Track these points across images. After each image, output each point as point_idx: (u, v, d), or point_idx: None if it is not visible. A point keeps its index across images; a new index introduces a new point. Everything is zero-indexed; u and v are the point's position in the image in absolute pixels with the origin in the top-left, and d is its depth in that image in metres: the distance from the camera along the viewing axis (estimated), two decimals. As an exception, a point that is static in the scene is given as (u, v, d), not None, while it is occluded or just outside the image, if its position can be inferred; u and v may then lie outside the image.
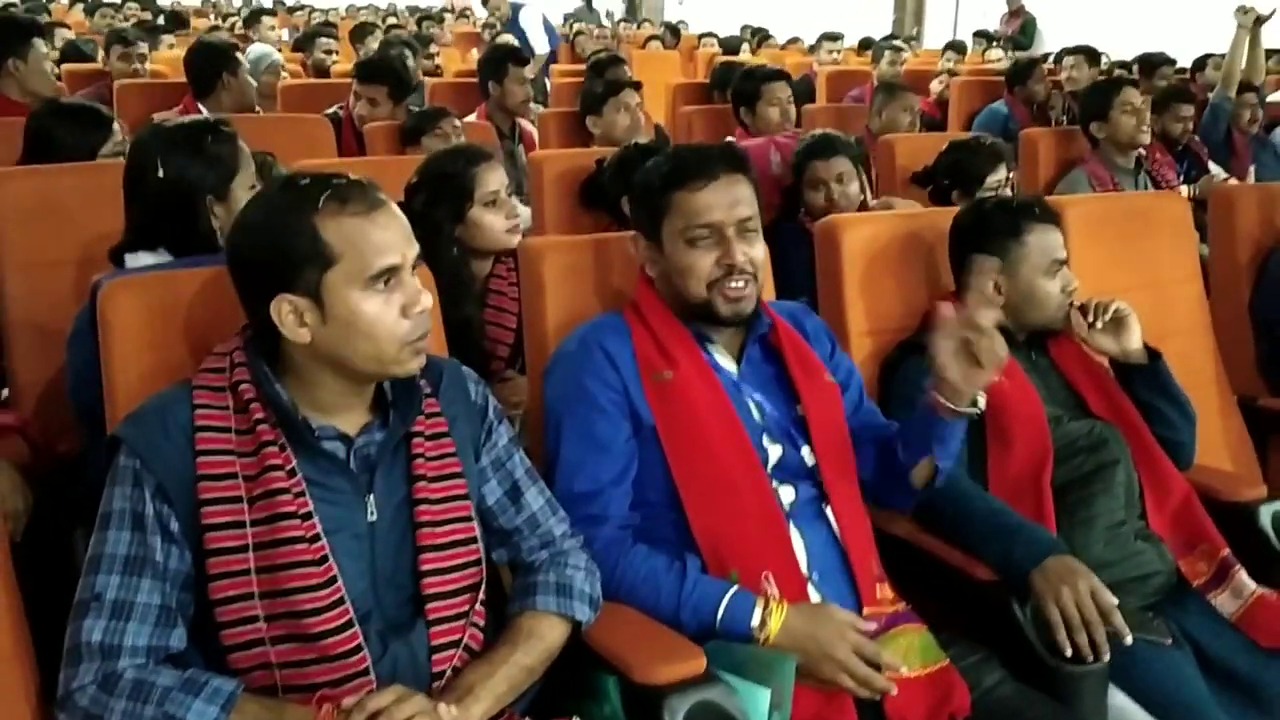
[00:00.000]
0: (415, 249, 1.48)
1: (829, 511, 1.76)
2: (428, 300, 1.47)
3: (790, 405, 1.81)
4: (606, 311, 1.90)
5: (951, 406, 1.70)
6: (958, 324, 1.65)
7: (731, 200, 1.75)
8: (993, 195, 2.38)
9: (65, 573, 2.01)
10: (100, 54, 5.55)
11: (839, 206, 3.01)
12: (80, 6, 11.69)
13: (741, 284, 1.75)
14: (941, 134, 4.56)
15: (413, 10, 17.64)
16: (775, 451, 1.76)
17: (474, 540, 1.54)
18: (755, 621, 1.60)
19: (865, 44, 10.02)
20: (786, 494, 1.75)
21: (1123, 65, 6.71)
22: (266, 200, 1.46)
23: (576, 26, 10.45)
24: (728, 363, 1.82)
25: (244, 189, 2.10)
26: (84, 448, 2.11)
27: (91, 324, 1.89)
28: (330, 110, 4.51)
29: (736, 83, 4.37)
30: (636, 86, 4.07)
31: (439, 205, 2.47)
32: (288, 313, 1.41)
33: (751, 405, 1.78)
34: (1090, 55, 6.10)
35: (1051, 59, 7.70)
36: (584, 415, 1.74)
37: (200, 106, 4.18)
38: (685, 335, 1.79)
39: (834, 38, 8.48)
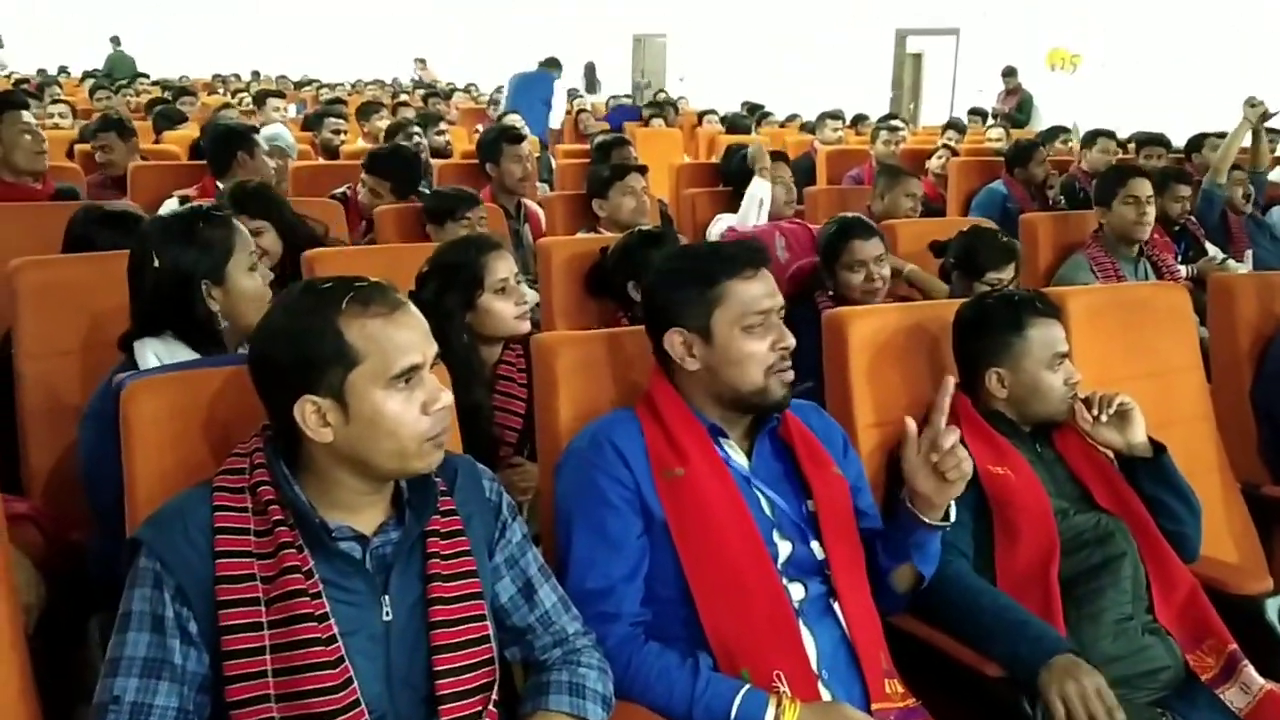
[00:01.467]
0: (434, 347, 1.51)
1: (838, 608, 1.78)
2: (448, 397, 1.50)
3: (800, 500, 1.83)
4: (618, 406, 1.93)
5: (925, 520, 1.76)
6: (923, 441, 1.73)
7: (773, 288, 1.82)
8: (994, 289, 2.41)
9: (78, 663, 2.04)
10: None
11: (876, 287, 3.11)
12: (90, 83, 11.92)
13: (790, 367, 1.80)
14: (942, 219, 4.61)
15: (416, 84, 17.97)
16: (785, 548, 1.78)
17: (487, 639, 1.55)
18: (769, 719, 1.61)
19: (858, 119, 10.17)
20: (796, 591, 1.76)
21: (1104, 134, 6.81)
22: (289, 303, 1.49)
23: (578, 104, 10.60)
24: (739, 458, 1.84)
25: (241, 271, 2.17)
26: (97, 537, 2.13)
27: (102, 413, 1.94)
28: (338, 191, 4.59)
29: (737, 164, 4.42)
30: (642, 171, 4.13)
31: (450, 293, 2.51)
32: (311, 413, 1.44)
33: (763, 500, 1.80)
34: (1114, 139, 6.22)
35: (1064, 140, 7.79)
36: (595, 512, 1.76)
37: (219, 186, 4.26)
38: (700, 430, 1.81)
39: (835, 116, 8.58)
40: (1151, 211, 3.85)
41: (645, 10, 18.96)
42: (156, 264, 2.13)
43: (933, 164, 7.08)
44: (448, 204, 3.81)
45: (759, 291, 1.80)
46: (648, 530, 1.77)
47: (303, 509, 1.46)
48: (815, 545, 1.80)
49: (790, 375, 1.80)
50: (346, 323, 1.44)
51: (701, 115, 10.07)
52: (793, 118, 11.45)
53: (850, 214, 3.37)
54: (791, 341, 1.81)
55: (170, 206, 4.23)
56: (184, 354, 2.10)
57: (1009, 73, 12.95)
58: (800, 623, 1.73)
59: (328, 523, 1.48)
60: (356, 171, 4.64)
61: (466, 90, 15.02)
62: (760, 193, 3.92)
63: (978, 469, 2.07)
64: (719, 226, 4.18)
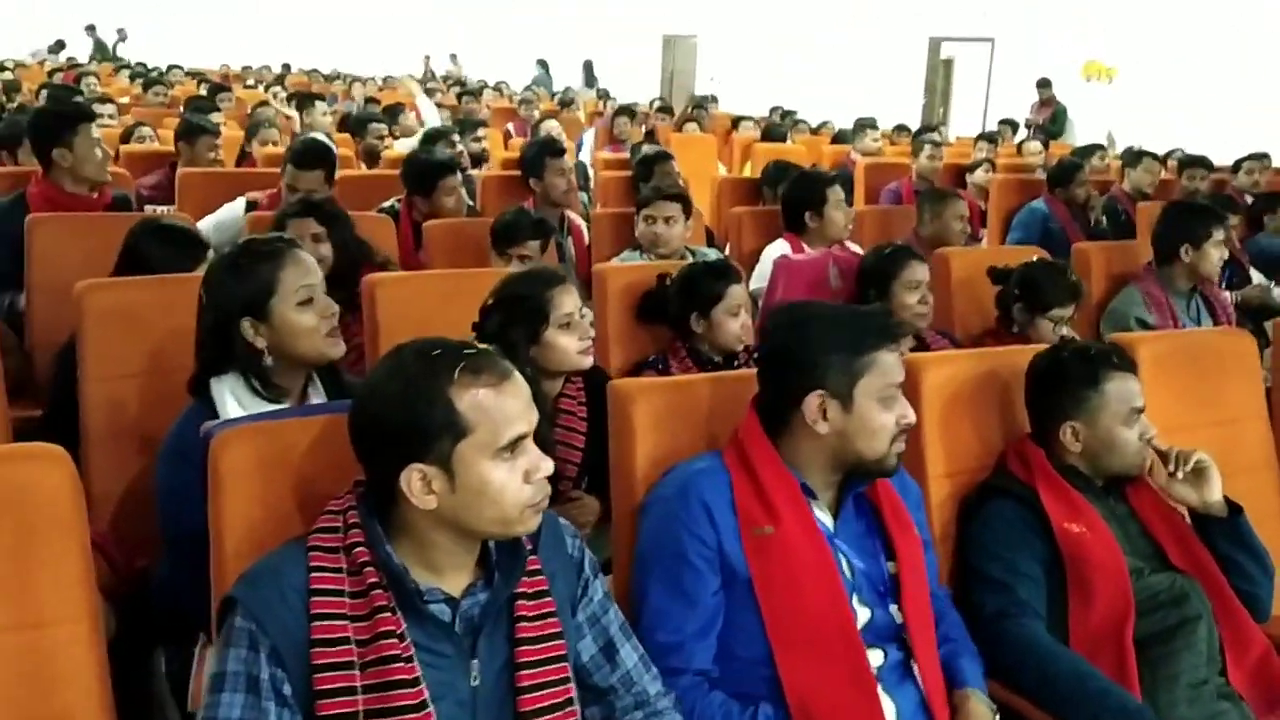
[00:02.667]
0: (536, 415, 1.50)
1: (915, 673, 1.76)
2: (549, 466, 1.50)
3: (879, 562, 1.82)
4: (700, 452, 1.92)
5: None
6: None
7: (901, 362, 1.84)
8: (1070, 341, 2.39)
9: (144, 697, 2.04)
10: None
11: (928, 310, 3.19)
12: (127, 73, 11.95)
13: (906, 439, 1.82)
14: (999, 249, 4.57)
15: (446, 79, 17.97)
16: (864, 614, 1.77)
17: (572, 703, 1.55)
18: None
19: (898, 129, 10.07)
20: (875, 657, 1.75)
21: (1148, 154, 6.75)
22: (399, 369, 1.47)
23: (614, 106, 10.52)
24: (825, 517, 1.83)
25: (289, 306, 2.09)
26: (164, 566, 2.12)
27: (180, 450, 1.94)
28: (387, 205, 4.57)
29: (792, 187, 4.35)
30: (680, 200, 4.08)
31: (515, 326, 2.50)
32: (417, 481, 1.44)
33: (845, 563, 1.79)
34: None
35: (1101, 157, 7.73)
36: (673, 567, 1.75)
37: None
38: (794, 488, 1.80)
39: (874, 126, 8.51)
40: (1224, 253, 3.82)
41: (676, 10, 18.92)
42: (204, 302, 2.12)
43: (976, 177, 7.04)
44: (514, 232, 3.76)
45: (896, 363, 1.81)
46: (728, 587, 1.76)
47: (398, 572, 1.46)
48: (894, 610, 1.79)
49: (904, 447, 1.81)
50: (458, 393, 1.43)
51: (736, 121, 9.97)
52: (825, 124, 11.35)
53: (899, 242, 3.35)
54: (913, 418, 1.82)
55: (235, 210, 4.25)
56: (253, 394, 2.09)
57: (1044, 84, 12.86)
58: (880, 689, 1.72)
59: (420, 586, 1.47)
60: (399, 181, 4.65)
61: (497, 88, 14.98)
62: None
63: (1053, 526, 2.05)
64: (767, 252, 4.15)
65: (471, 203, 5.10)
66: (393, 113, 7.08)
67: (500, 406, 1.45)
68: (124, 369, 2.52)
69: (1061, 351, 2.23)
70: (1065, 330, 3.27)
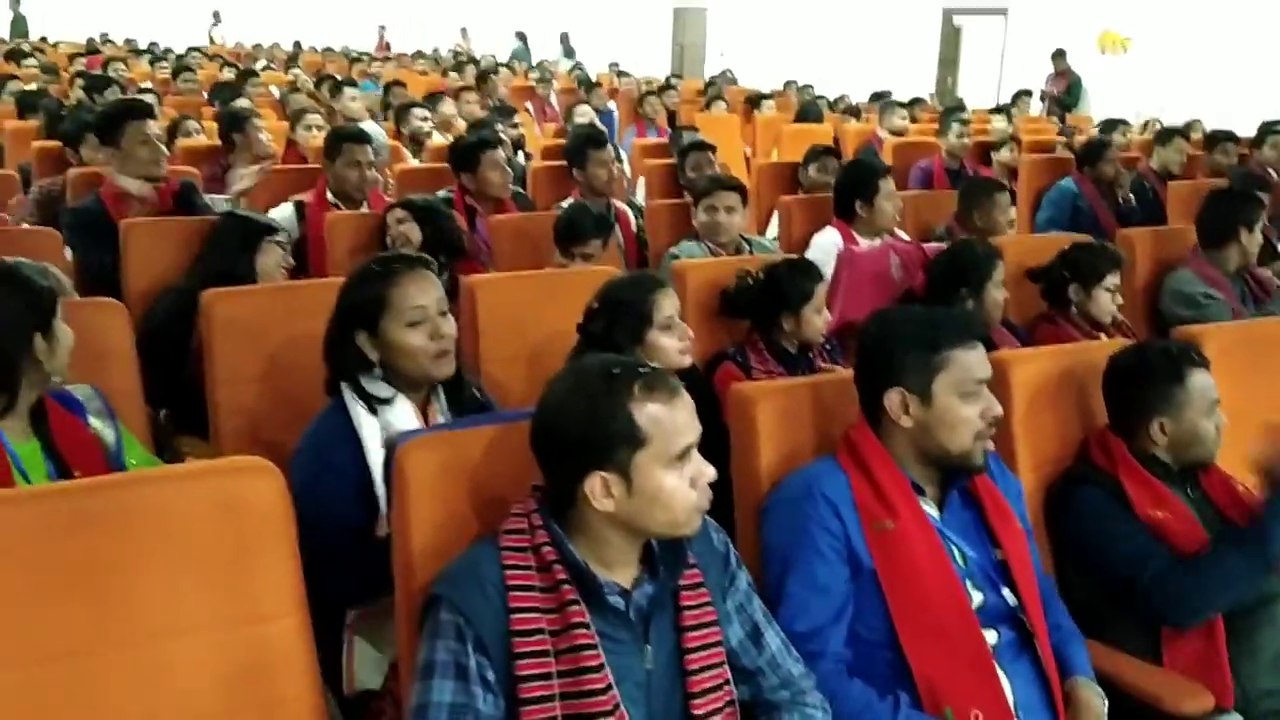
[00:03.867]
0: (699, 428, 1.66)
1: (1029, 651, 1.93)
2: (712, 472, 1.66)
3: (988, 550, 1.99)
4: (814, 453, 2.09)
5: None
6: None
7: (985, 358, 1.98)
8: (1155, 341, 2.54)
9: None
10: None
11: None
12: (147, 58, 12.00)
13: (992, 435, 1.96)
14: (1050, 236, 4.70)
15: (456, 55, 17.99)
16: (978, 597, 1.93)
17: (729, 683, 1.72)
18: None
19: (913, 103, 10.10)
20: (990, 637, 1.92)
21: (1178, 133, 6.85)
22: (582, 386, 1.64)
23: (643, 88, 10.53)
24: (933, 510, 2.00)
25: (399, 326, 2.23)
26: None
27: (317, 447, 2.11)
28: (441, 194, 4.72)
29: (845, 177, 4.49)
30: (738, 190, 4.23)
31: (619, 328, 2.64)
32: (599, 485, 1.60)
33: (956, 552, 1.96)
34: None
35: (1123, 132, 7.80)
36: (807, 560, 1.91)
37: (328, 193, 4.41)
38: (905, 485, 1.96)
39: (902, 104, 8.54)
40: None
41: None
42: (335, 308, 2.28)
43: (1002, 156, 7.14)
44: (578, 231, 3.90)
45: (976, 360, 1.96)
46: (853, 578, 1.92)
47: (580, 568, 1.63)
48: (1007, 593, 1.95)
49: (991, 443, 1.96)
50: (636, 407, 1.60)
51: (754, 98, 10.02)
52: (841, 98, 11.42)
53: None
54: (999, 411, 1.96)
55: (285, 212, 4.38)
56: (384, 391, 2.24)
57: (1058, 55, 12.95)
58: (996, 666, 1.89)
59: (600, 580, 1.64)
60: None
61: (509, 66, 15.00)
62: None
63: (1136, 512, 2.22)
64: (819, 242, 4.28)
65: (521, 189, 5.24)
66: (432, 99, 7.18)
67: (672, 419, 1.62)
68: (248, 373, 2.70)
69: (1145, 350, 2.39)
70: (1119, 300, 3.48)
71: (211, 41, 19.15)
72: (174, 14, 20.56)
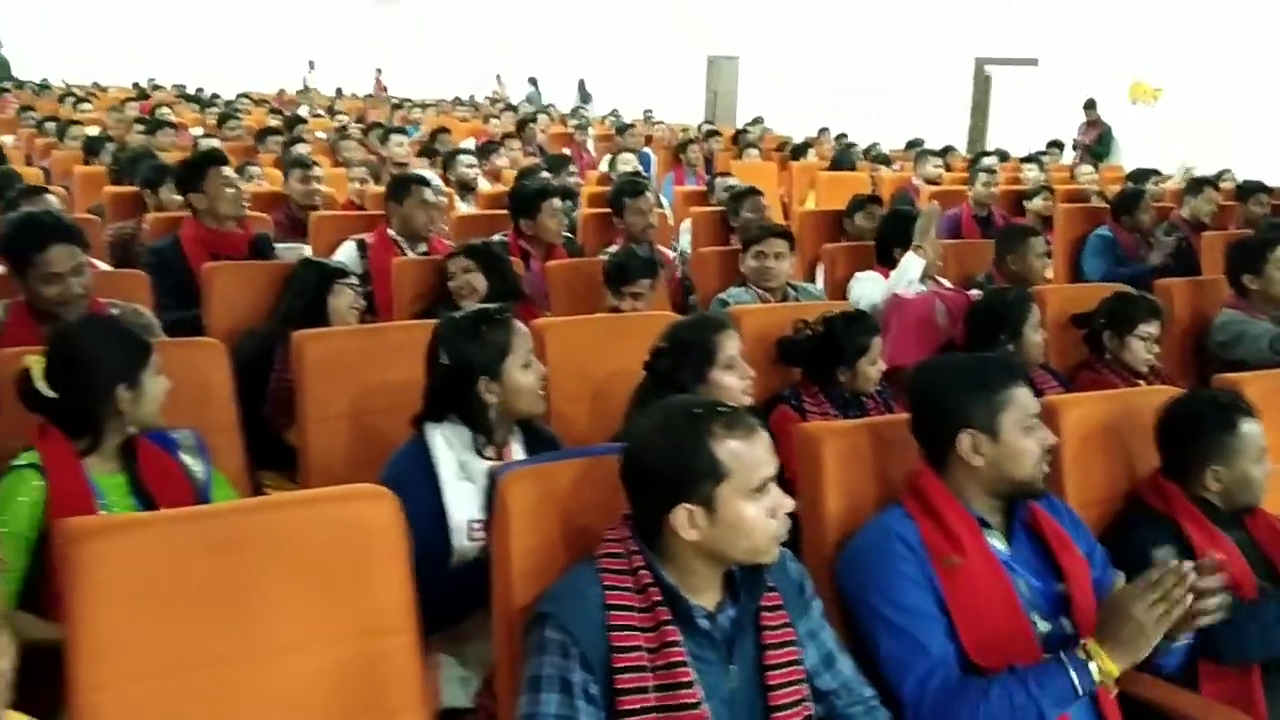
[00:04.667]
0: (777, 462, 1.81)
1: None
2: (789, 503, 1.80)
3: (1050, 581, 2.11)
4: (878, 492, 2.23)
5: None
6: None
7: (1032, 395, 2.15)
8: (1203, 392, 2.66)
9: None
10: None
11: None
12: (195, 105, 12.34)
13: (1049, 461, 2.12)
14: (1093, 284, 4.85)
15: (494, 101, 18.35)
16: (1043, 627, 2.06)
17: (807, 699, 1.85)
18: (1092, 669, 1.90)
19: (945, 151, 10.25)
20: (1053, 664, 2.03)
21: (1208, 182, 6.97)
22: (667, 425, 1.79)
23: (681, 136, 10.72)
24: (999, 544, 2.13)
25: (516, 368, 2.45)
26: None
27: (400, 478, 2.26)
28: (496, 238, 4.91)
29: (885, 226, 4.65)
30: (787, 237, 4.40)
31: (684, 367, 2.78)
32: (684, 516, 1.75)
33: (1021, 584, 2.08)
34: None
35: (1155, 182, 7.92)
36: (904, 593, 2.03)
37: (390, 233, 4.61)
38: (971, 521, 2.10)
39: (936, 153, 8.71)
40: None
41: (719, 32, 19.27)
42: (444, 359, 2.45)
43: (1035, 205, 7.29)
44: (627, 273, 4.07)
45: (1029, 396, 2.12)
46: None
47: (673, 591, 1.77)
48: (1066, 623, 2.08)
49: (1048, 468, 2.11)
50: (718, 444, 1.75)
51: (797, 149, 10.20)
52: (874, 147, 11.58)
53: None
54: (1054, 440, 2.13)
55: (348, 251, 4.58)
56: (466, 438, 2.42)
57: (1089, 105, 13.11)
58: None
59: (689, 602, 1.78)
60: (506, 218, 4.99)
61: (546, 111, 15.31)
62: (912, 273, 4.17)
63: (1195, 554, 2.33)
64: (866, 288, 4.42)
65: (571, 235, 5.43)
66: (486, 151, 7.41)
67: (751, 454, 1.76)
68: (335, 410, 2.86)
69: (1196, 400, 2.51)
70: (1156, 349, 3.59)
71: (306, 89, 19.64)
72: (201, 57, 21.22)
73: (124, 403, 2.34)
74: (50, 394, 2.35)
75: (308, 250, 5.01)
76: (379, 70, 23.30)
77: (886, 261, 4.55)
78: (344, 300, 3.44)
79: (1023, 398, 2.10)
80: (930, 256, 4.34)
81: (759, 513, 1.76)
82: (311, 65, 23.03)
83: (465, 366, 2.42)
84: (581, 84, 21.91)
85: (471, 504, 2.35)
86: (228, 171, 4.39)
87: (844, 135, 12.08)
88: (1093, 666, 1.90)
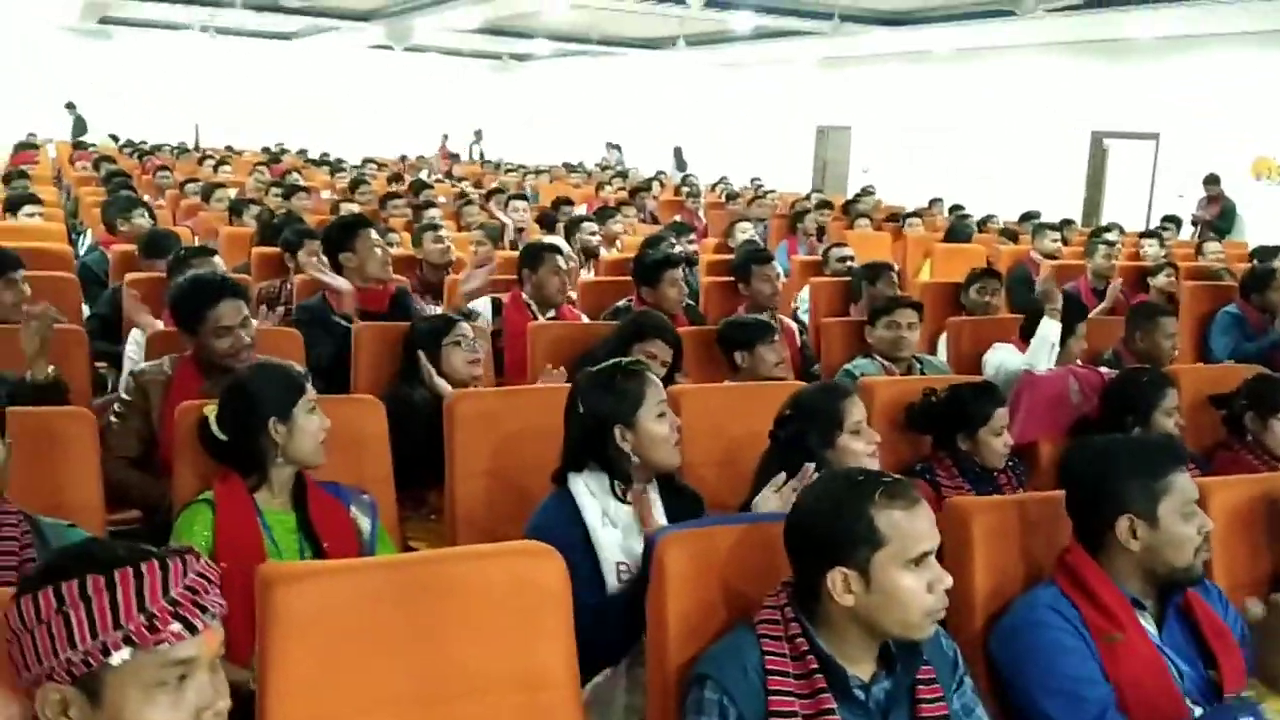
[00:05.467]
0: (938, 537, 1.85)
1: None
2: (949, 580, 1.83)
3: (1200, 667, 2.10)
4: (1026, 570, 2.24)
5: None
6: None
7: (1192, 480, 2.16)
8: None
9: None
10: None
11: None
12: (327, 168, 12.83)
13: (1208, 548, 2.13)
14: (1230, 365, 4.78)
15: (604, 167, 18.72)
16: (1197, 711, 2.05)
17: None
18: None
19: (1063, 225, 10.07)
20: (1205, 751, 2.03)
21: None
22: (830, 491, 1.86)
23: (794, 204, 10.79)
24: (1151, 627, 2.13)
25: (651, 418, 2.53)
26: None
27: (544, 527, 2.36)
28: (621, 304, 5.04)
29: (1018, 305, 4.65)
30: (918, 308, 4.44)
31: (810, 433, 2.81)
32: (839, 581, 1.79)
33: (1173, 667, 2.08)
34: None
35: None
36: (1065, 662, 2.05)
37: (524, 297, 4.77)
38: (1127, 603, 2.11)
39: (1053, 226, 8.62)
40: None
41: (830, 101, 19.43)
42: (581, 410, 2.55)
43: (1159, 282, 7.17)
44: (748, 334, 4.16)
45: (1190, 482, 2.13)
46: None
47: (829, 659, 1.81)
48: (1218, 709, 2.06)
49: (1208, 554, 2.09)
50: (878, 512, 1.80)
51: (903, 219, 10.23)
52: (990, 219, 11.52)
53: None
54: (1211, 525, 2.12)
55: (484, 307, 4.74)
56: (607, 485, 2.50)
57: (1211, 180, 12.85)
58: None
59: (845, 671, 1.82)
60: (629, 284, 5.11)
61: (658, 179, 15.58)
62: (1051, 336, 4.17)
63: None
64: (1003, 356, 4.41)
65: (693, 302, 5.53)
66: (602, 217, 7.60)
67: (912, 525, 1.81)
68: (482, 466, 2.97)
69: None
70: None
71: (473, 159, 20.30)
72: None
73: (279, 435, 2.52)
74: (222, 436, 2.56)
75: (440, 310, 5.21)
76: (445, 136, 23.61)
77: (1028, 337, 4.54)
78: (456, 357, 3.53)
79: (1183, 484, 2.11)
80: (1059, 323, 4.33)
81: (916, 585, 1.79)
82: (478, 136, 23.67)
83: (601, 416, 2.52)
84: (678, 151, 22.13)
85: (616, 548, 2.44)
86: (374, 234, 4.60)
87: (960, 207, 12.03)
88: (1264, 708, 1.89)
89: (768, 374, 4.01)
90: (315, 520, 2.54)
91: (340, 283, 4.34)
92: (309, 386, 2.67)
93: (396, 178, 12.02)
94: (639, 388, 2.56)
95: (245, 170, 12.29)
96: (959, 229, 9.11)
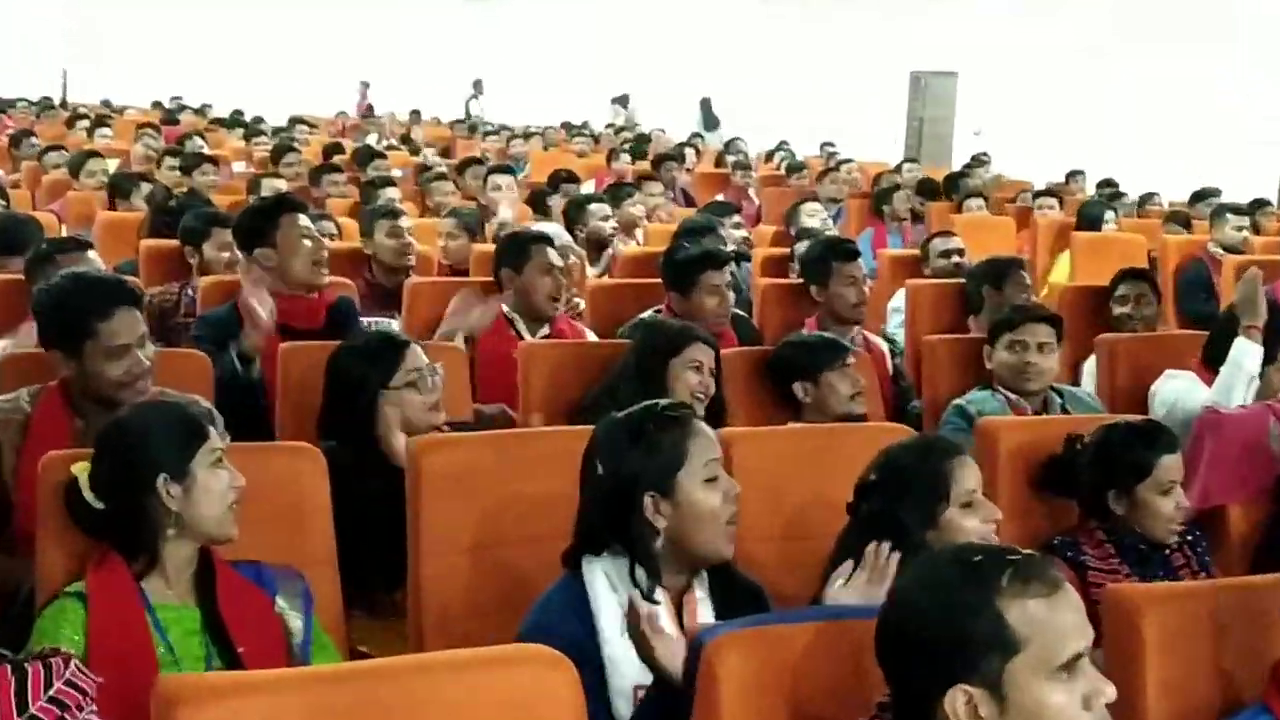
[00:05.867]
0: (1091, 632, 1.83)
1: None
2: (1112, 691, 1.81)
3: None
4: (1215, 684, 2.23)
5: None
6: None
7: None
8: None
9: None
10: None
11: None
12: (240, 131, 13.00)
13: None
14: None
15: (618, 130, 18.85)
16: None
17: None
18: None
19: (1256, 206, 9.94)
20: None
21: None
22: (936, 578, 1.84)
23: (887, 179, 10.81)
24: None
25: (696, 483, 2.49)
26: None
27: (545, 628, 2.35)
28: (646, 315, 5.04)
29: (1191, 316, 4.60)
30: (1055, 322, 4.43)
31: (905, 507, 2.76)
32: (963, 704, 1.77)
33: None
34: None
35: None
36: None
37: (504, 309, 4.77)
38: None
39: (1240, 209, 8.54)
40: None
41: (929, 40, 19.45)
42: (600, 470, 2.54)
43: None
44: (811, 357, 4.15)
45: None
46: None
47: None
48: None
49: None
50: (1006, 604, 1.77)
51: (1035, 195, 10.19)
52: (1151, 197, 11.48)
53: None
54: None
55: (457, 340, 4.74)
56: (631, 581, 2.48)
57: None
58: None
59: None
60: (657, 288, 5.12)
61: (692, 145, 15.64)
62: (1248, 362, 4.12)
63: None
64: (1175, 392, 4.37)
65: (743, 313, 5.52)
66: (616, 196, 7.62)
67: (1054, 619, 1.78)
68: (459, 539, 2.96)
69: None
70: None
71: (468, 116, 20.26)
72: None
73: (173, 500, 2.49)
74: (98, 504, 2.54)
75: (397, 327, 5.22)
76: (365, 84, 23.37)
77: (1214, 364, 4.39)
78: (415, 403, 3.40)
79: None
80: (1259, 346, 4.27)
81: (1068, 701, 1.77)
82: (478, 88, 23.53)
83: (626, 479, 2.49)
84: (706, 104, 22.15)
85: (636, 666, 2.41)
86: (305, 221, 4.58)
87: (1111, 183, 11.99)
88: None
89: (841, 411, 4.01)
90: (226, 616, 2.52)
91: (261, 313, 4.13)
92: (214, 430, 2.65)
93: (336, 147, 12.13)
94: (679, 441, 2.51)
95: (130, 134, 12.41)
96: (1090, 211, 9.00)
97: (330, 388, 3.53)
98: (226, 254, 5.12)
